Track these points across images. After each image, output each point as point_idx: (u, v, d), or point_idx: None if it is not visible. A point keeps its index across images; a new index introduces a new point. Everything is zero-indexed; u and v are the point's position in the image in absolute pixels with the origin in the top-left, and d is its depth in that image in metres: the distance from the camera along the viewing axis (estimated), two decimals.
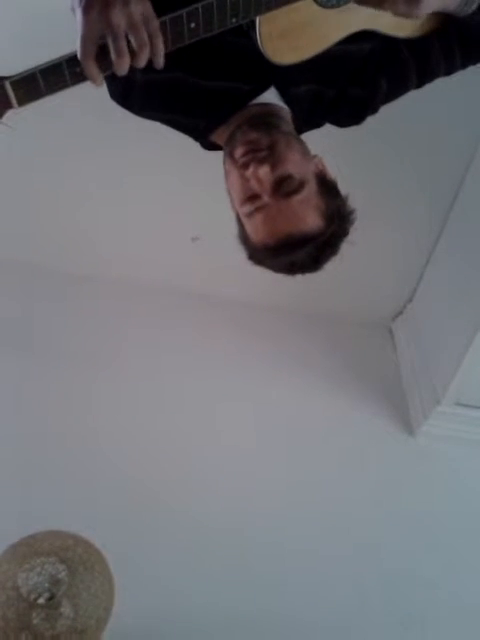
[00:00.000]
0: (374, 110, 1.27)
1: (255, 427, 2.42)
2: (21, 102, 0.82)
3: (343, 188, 2.64)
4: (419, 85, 1.24)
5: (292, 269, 1.19)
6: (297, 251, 1.14)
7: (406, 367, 2.75)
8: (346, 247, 2.90)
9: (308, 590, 1.98)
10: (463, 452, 2.44)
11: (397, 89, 1.25)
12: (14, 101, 0.82)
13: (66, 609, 1.58)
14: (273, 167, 1.09)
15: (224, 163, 1.17)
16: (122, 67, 0.86)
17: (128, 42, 0.85)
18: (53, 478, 2.09)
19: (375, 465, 2.41)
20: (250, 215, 1.13)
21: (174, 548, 1.99)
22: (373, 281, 2.84)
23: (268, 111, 1.17)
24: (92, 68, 0.85)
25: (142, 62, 0.87)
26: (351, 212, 1.23)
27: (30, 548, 1.67)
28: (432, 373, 2.54)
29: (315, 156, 1.20)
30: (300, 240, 1.12)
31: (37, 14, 2.09)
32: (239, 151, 1.11)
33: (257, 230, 1.14)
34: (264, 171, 1.08)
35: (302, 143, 1.17)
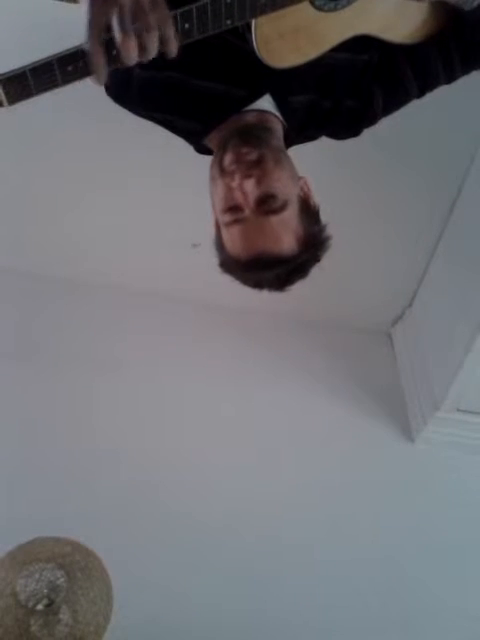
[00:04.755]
0: (371, 122, 1.26)
1: (255, 433, 2.42)
2: (11, 101, 0.80)
3: (342, 194, 2.64)
4: (420, 95, 1.23)
5: (258, 286, 1.18)
6: (266, 271, 1.13)
7: (405, 372, 2.75)
8: (344, 254, 2.91)
9: (308, 594, 1.98)
10: (463, 457, 2.44)
11: (396, 100, 1.23)
12: (4, 99, 0.80)
13: (65, 616, 1.57)
14: (259, 182, 1.08)
15: (211, 168, 1.16)
16: (128, 51, 0.82)
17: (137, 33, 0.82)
18: (52, 484, 2.09)
19: (375, 470, 2.40)
20: (229, 225, 1.12)
21: (173, 554, 1.99)
22: (372, 287, 2.84)
23: (261, 120, 1.16)
24: (98, 54, 0.81)
25: (151, 50, 0.83)
26: (327, 240, 1.21)
27: (28, 554, 1.66)
28: (431, 378, 2.53)
29: (301, 178, 1.18)
30: (271, 261, 1.11)
31: (34, 14, 2.10)
32: (228, 159, 1.09)
33: (232, 242, 1.13)
34: (250, 184, 1.07)
35: (291, 162, 1.16)
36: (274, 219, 1.10)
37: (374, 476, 2.38)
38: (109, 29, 0.82)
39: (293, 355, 2.74)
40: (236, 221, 1.10)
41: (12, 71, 0.79)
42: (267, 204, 1.08)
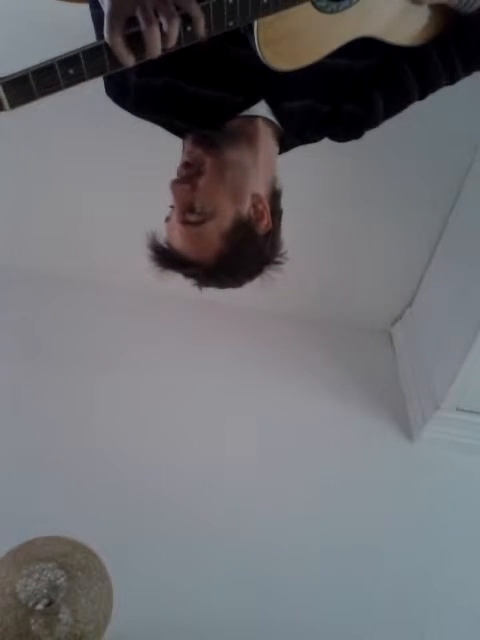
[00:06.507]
0: (373, 125, 1.26)
1: (255, 432, 2.42)
2: (13, 104, 0.80)
3: (343, 194, 2.63)
4: (422, 97, 1.23)
5: (156, 264, 1.21)
6: (177, 268, 1.17)
7: (405, 372, 2.75)
8: (345, 254, 2.90)
9: (308, 595, 1.97)
10: (463, 457, 2.44)
11: (398, 103, 1.23)
12: (5, 103, 0.79)
13: (65, 615, 1.58)
14: (191, 190, 1.10)
15: None
16: (154, 40, 0.82)
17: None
18: (52, 483, 2.09)
19: (375, 470, 2.40)
20: (168, 216, 1.16)
21: (174, 553, 1.99)
22: (372, 286, 2.84)
23: (242, 127, 1.16)
24: (120, 45, 0.82)
25: (173, 37, 0.84)
26: (265, 261, 1.21)
27: (29, 554, 1.67)
28: (432, 378, 2.53)
29: (255, 195, 1.16)
30: (182, 261, 1.15)
31: (35, 16, 2.10)
32: (182, 158, 1.13)
33: (165, 226, 1.18)
34: (182, 189, 1.11)
35: (242, 177, 1.15)
36: (190, 229, 1.12)
37: (374, 475, 2.38)
38: (129, 23, 0.82)
39: (293, 354, 2.74)
40: (168, 217, 1.15)
41: (14, 74, 0.78)
42: (188, 214, 1.11)
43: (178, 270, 1.18)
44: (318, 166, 2.39)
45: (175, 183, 1.12)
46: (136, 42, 0.83)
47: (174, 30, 0.83)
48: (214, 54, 1.06)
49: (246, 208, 1.14)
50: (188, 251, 1.14)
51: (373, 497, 2.29)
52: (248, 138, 1.17)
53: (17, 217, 2.68)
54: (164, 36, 0.83)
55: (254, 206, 1.15)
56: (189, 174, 1.11)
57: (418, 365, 2.68)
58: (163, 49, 0.84)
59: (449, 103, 2.20)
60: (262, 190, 1.17)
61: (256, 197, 1.16)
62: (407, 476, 2.41)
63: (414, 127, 2.27)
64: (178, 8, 0.83)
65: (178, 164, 1.16)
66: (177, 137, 1.26)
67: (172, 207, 1.14)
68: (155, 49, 0.84)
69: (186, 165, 1.13)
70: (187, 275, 1.19)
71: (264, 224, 1.17)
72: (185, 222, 1.11)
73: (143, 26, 0.82)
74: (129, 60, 0.83)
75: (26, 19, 2.14)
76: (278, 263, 1.22)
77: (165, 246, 1.16)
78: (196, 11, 0.84)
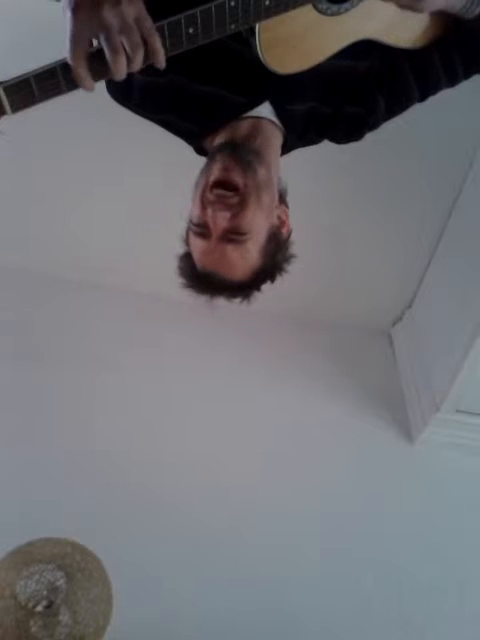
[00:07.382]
0: (373, 127, 1.26)
1: (255, 434, 2.42)
2: (15, 108, 0.80)
3: (343, 195, 2.63)
4: (422, 99, 1.23)
5: (200, 293, 1.20)
6: (213, 289, 1.18)
7: (405, 373, 2.75)
8: (345, 254, 2.89)
9: (308, 596, 1.97)
10: (462, 459, 2.44)
11: (399, 105, 1.23)
12: (8, 107, 0.79)
13: (64, 616, 1.58)
14: (233, 217, 1.09)
15: (200, 173, 1.15)
16: (119, 67, 0.83)
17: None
18: (52, 484, 2.09)
19: (375, 472, 2.40)
20: (194, 234, 1.14)
21: (173, 554, 1.99)
22: (372, 287, 2.84)
23: (254, 133, 1.16)
24: (82, 70, 0.81)
25: (138, 64, 0.84)
26: (287, 260, 1.23)
27: (28, 555, 1.67)
28: (431, 379, 2.53)
29: (280, 206, 1.18)
30: (220, 283, 1.15)
31: (35, 19, 2.09)
32: (214, 179, 1.09)
33: (193, 249, 1.17)
34: (223, 216, 1.09)
35: (272, 192, 1.15)
36: (234, 249, 1.12)
37: (374, 477, 2.38)
38: (91, 44, 0.82)
39: (293, 355, 2.74)
40: (200, 235, 1.13)
41: (16, 78, 0.78)
42: (232, 235, 1.11)
43: (224, 294, 1.19)
44: (318, 166, 2.39)
45: (213, 210, 1.09)
46: (99, 62, 0.82)
47: (140, 58, 0.83)
48: (222, 53, 1.06)
49: (274, 220, 1.17)
50: (228, 272, 1.14)
51: (373, 499, 2.29)
52: (269, 143, 1.17)
53: (17, 217, 2.67)
54: (129, 62, 0.83)
55: (278, 216, 1.18)
56: (229, 203, 1.09)
57: (418, 366, 2.68)
58: (128, 72, 0.84)
59: (449, 103, 2.20)
60: (277, 197, 1.19)
61: (279, 208, 1.18)
62: (407, 478, 2.41)
63: (414, 127, 2.26)
64: (142, 36, 0.83)
65: (203, 181, 1.12)
66: (177, 137, 1.26)
67: (197, 225, 1.12)
68: (120, 75, 0.84)
69: (219, 185, 1.09)
70: (232, 296, 1.20)
71: (286, 229, 1.20)
72: (230, 240, 1.11)
73: (108, 55, 0.82)
74: (89, 83, 0.83)
75: (27, 22, 2.13)
76: (291, 257, 1.24)
77: (203, 273, 1.15)
78: (157, 45, 0.84)
